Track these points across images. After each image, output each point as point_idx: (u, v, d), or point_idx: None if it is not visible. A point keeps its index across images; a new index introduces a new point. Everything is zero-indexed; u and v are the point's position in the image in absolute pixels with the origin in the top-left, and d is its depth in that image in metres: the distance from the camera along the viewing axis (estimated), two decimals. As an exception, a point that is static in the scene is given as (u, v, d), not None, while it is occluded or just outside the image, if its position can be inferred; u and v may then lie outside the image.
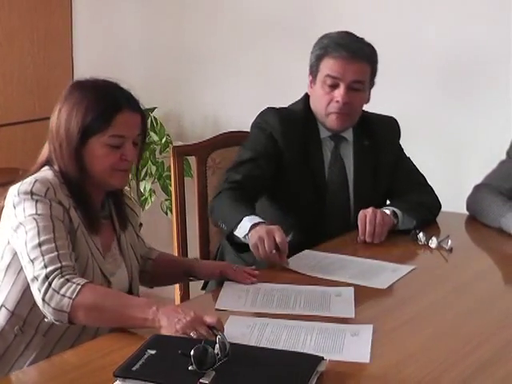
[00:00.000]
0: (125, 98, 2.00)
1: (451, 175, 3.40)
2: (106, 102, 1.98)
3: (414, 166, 2.79)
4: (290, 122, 2.62)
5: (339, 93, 2.54)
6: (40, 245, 1.85)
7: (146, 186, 3.96)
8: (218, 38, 3.96)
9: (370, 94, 2.67)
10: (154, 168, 3.95)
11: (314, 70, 2.60)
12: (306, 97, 2.68)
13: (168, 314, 1.75)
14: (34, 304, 1.92)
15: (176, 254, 2.82)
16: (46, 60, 4.14)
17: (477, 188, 2.72)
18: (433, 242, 2.44)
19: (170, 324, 1.73)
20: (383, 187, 2.70)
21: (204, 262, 2.41)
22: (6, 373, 1.90)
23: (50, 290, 1.80)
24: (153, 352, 1.61)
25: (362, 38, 2.61)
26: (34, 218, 1.89)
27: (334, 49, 2.54)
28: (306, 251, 2.40)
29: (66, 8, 4.20)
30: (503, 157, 2.72)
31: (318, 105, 2.61)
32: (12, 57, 4.02)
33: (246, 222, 2.31)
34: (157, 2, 4.16)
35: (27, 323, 1.95)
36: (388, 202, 2.71)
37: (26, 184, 1.93)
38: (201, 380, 1.51)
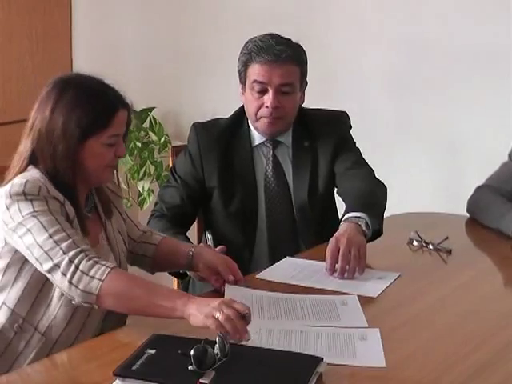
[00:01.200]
0: (117, 97, 2.01)
1: (451, 176, 3.39)
2: (103, 103, 1.98)
3: (361, 157, 2.64)
4: (210, 135, 2.60)
5: (268, 98, 2.49)
6: (51, 236, 1.86)
7: (144, 185, 3.95)
8: (218, 38, 3.95)
9: (304, 95, 2.61)
10: (152, 168, 3.95)
11: (242, 77, 2.57)
12: (242, 106, 2.66)
13: (198, 302, 1.74)
14: (33, 303, 1.94)
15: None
16: (45, 59, 4.13)
17: (478, 189, 2.72)
18: (431, 244, 2.44)
19: (198, 310, 1.71)
20: (324, 189, 2.61)
21: (204, 255, 2.16)
22: (6, 371, 1.89)
23: (78, 272, 1.81)
24: (152, 351, 1.61)
25: (287, 39, 2.55)
26: (34, 215, 1.88)
27: (257, 54, 2.50)
28: (287, 258, 2.36)
29: (66, 7, 4.20)
30: (504, 158, 2.71)
31: (249, 110, 2.57)
32: (11, 56, 4.01)
33: None
34: (156, 1, 4.16)
35: (26, 321, 1.95)
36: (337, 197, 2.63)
37: (16, 186, 1.91)
38: (200, 380, 1.51)
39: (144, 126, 3.99)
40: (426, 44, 3.39)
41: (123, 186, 4.03)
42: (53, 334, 1.95)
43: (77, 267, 1.81)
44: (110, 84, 2.03)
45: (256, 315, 1.91)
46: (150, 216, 2.60)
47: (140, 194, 3.98)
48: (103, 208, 2.11)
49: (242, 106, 2.65)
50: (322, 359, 1.62)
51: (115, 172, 2.13)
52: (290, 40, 2.55)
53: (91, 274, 1.80)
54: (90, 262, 1.82)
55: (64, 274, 1.82)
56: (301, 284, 2.14)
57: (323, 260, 2.23)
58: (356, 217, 2.30)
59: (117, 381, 1.53)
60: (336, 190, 2.64)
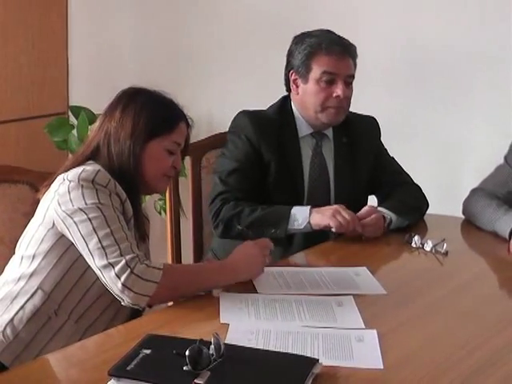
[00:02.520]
0: (181, 110, 2.18)
1: (447, 178, 3.40)
2: (170, 109, 2.13)
3: (399, 165, 2.82)
4: (263, 123, 2.67)
5: (339, 88, 2.59)
6: (112, 233, 1.91)
7: (139, 185, 3.93)
8: (213, 38, 3.95)
9: None
10: (148, 168, 3.92)
11: (302, 69, 2.63)
12: (284, 99, 2.73)
13: (239, 262, 2.05)
14: (71, 290, 1.99)
15: (169, 255, 2.82)
16: (41, 58, 4.11)
17: (473, 192, 2.72)
18: (428, 246, 2.43)
19: (250, 269, 2.06)
20: (363, 184, 2.72)
21: None
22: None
23: (133, 276, 1.86)
24: (147, 352, 1.60)
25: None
26: (98, 207, 1.93)
27: (328, 45, 2.58)
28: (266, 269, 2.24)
29: (62, 6, 4.19)
30: (500, 161, 2.72)
31: (313, 101, 2.63)
32: (7, 55, 4.00)
33: (300, 212, 2.48)
34: (153, 1, 4.15)
35: (61, 308, 1.99)
36: (372, 201, 2.74)
37: (88, 172, 1.97)
38: (195, 380, 1.50)
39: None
40: (426, 45, 3.40)
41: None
42: (85, 323, 2.00)
43: (132, 271, 1.86)
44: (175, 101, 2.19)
45: (252, 316, 1.91)
46: (220, 205, 2.58)
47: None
48: (139, 229, 2.13)
49: (284, 98, 2.73)
50: (318, 360, 1.61)
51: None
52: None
53: (145, 277, 1.87)
54: (143, 266, 1.88)
55: (118, 276, 1.86)
56: (300, 292, 2.08)
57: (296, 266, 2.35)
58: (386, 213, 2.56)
59: (112, 381, 1.52)
60: (376, 194, 2.78)
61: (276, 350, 1.71)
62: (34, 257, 2.01)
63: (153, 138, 2.08)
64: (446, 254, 2.40)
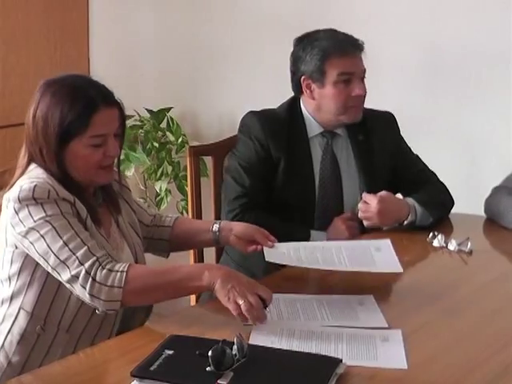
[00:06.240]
0: (100, 95, 1.95)
1: (469, 177, 3.37)
2: (81, 103, 1.92)
3: (424, 164, 2.79)
4: (272, 123, 2.66)
5: (359, 86, 2.58)
6: (66, 244, 1.84)
7: (161, 185, 3.94)
8: (234, 36, 3.94)
9: None
10: (169, 168, 3.93)
11: (316, 74, 2.60)
12: (293, 100, 2.71)
13: (222, 277, 1.82)
14: (52, 302, 1.93)
15: (192, 255, 2.81)
16: (63, 59, 4.13)
17: (495, 190, 2.70)
18: (452, 245, 2.41)
19: (223, 288, 1.80)
20: (382, 179, 2.68)
21: (234, 227, 2.21)
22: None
23: (96, 284, 1.81)
24: (170, 352, 1.60)
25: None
26: (46, 220, 1.86)
27: (339, 46, 2.57)
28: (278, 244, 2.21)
29: (83, 7, 4.20)
30: (524, 159, 2.70)
31: (330, 105, 2.61)
32: (29, 55, 4.02)
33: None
34: (173, 1, 4.15)
35: (48, 322, 1.95)
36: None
37: (25, 191, 1.88)
38: (219, 381, 1.50)
39: (161, 126, 3.98)
40: (442, 42, 3.37)
41: (140, 186, 4.04)
42: (77, 329, 1.96)
43: (94, 279, 1.82)
44: (96, 82, 1.99)
45: (275, 317, 1.90)
46: (240, 211, 2.57)
47: (157, 195, 3.97)
48: (112, 204, 2.09)
49: (293, 99, 2.71)
50: (341, 360, 1.61)
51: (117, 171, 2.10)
52: None
53: (109, 283, 1.81)
54: (105, 271, 1.83)
55: (83, 287, 1.82)
56: (312, 267, 2.10)
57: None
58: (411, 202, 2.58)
59: (134, 381, 1.52)
60: (400, 193, 2.74)
61: (299, 350, 1.70)
62: (9, 279, 1.97)
63: (68, 140, 1.92)
64: (470, 252, 2.38)
